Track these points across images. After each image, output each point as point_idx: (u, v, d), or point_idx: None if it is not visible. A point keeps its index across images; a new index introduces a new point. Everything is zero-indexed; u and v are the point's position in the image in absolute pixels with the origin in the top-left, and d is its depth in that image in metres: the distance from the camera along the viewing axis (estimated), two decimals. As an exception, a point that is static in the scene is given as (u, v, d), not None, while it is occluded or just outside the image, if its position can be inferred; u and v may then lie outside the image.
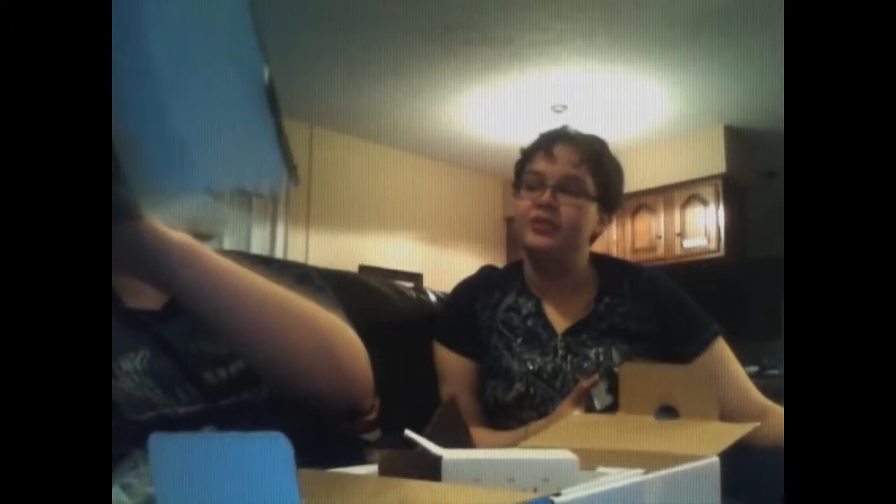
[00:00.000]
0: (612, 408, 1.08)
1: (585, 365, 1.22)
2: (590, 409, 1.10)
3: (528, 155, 1.31)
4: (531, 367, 1.24)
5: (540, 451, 0.54)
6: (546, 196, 1.23)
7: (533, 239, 1.26)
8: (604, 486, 0.41)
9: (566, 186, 1.25)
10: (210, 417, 0.77)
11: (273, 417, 0.79)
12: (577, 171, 1.25)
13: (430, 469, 0.47)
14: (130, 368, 0.78)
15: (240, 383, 0.82)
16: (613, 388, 1.15)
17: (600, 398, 1.12)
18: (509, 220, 5.25)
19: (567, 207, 1.24)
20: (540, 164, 1.26)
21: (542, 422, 1.13)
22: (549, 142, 1.28)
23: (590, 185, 1.26)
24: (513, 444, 1.13)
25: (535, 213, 1.25)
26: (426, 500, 0.40)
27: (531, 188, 1.26)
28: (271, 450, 0.30)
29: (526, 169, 1.29)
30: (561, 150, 1.26)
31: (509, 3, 3.16)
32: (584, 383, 1.12)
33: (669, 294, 1.30)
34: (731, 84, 3.94)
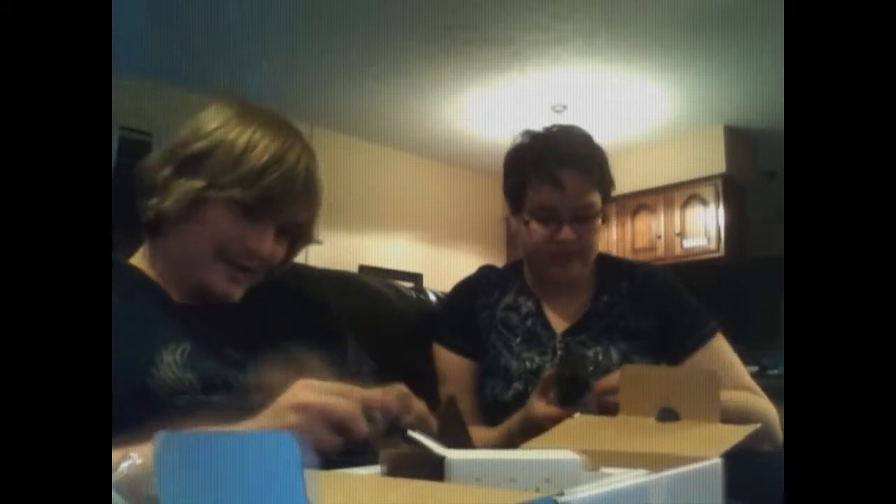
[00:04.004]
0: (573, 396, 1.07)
1: (585, 363, 1.22)
2: (558, 398, 1.08)
3: (526, 180, 1.25)
4: (529, 367, 1.24)
5: (544, 452, 0.54)
6: (566, 233, 1.21)
7: (558, 272, 1.25)
8: (610, 487, 0.41)
9: (580, 215, 1.22)
10: (240, 411, 0.81)
11: None
12: (589, 196, 1.22)
13: (435, 469, 0.47)
14: (171, 360, 0.81)
15: (266, 389, 0.85)
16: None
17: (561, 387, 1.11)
18: (509, 220, 5.25)
19: (585, 234, 1.23)
20: (549, 197, 1.21)
21: (515, 417, 1.13)
22: (553, 169, 1.21)
23: (598, 200, 1.24)
24: (500, 440, 1.13)
25: (555, 248, 1.23)
26: (431, 501, 0.40)
27: (543, 221, 1.23)
28: (279, 449, 0.30)
29: (531, 198, 1.24)
30: (569, 179, 1.20)
31: (509, 3, 3.16)
32: (546, 373, 1.11)
33: (668, 290, 1.30)
34: (731, 84, 3.93)
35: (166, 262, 0.92)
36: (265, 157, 0.87)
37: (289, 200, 0.90)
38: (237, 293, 0.91)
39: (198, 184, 0.87)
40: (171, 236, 0.91)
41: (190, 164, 0.88)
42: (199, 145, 0.89)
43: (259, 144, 0.88)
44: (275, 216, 0.90)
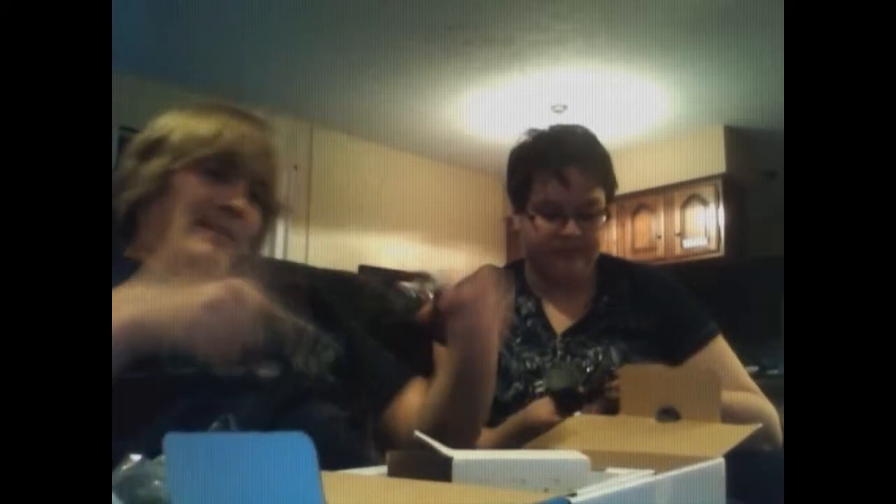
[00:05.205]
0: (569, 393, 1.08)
1: (584, 364, 1.22)
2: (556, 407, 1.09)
3: (532, 176, 1.26)
4: (529, 367, 1.24)
5: (551, 452, 0.54)
6: (570, 228, 1.23)
7: (563, 267, 1.26)
8: (618, 487, 0.41)
9: (585, 211, 1.24)
10: (248, 385, 0.82)
11: (305, 403, 0.87)
12: (593, 193, 1.24)
13: (441, 470, 0.47)
14: None
15: (269, 359, 0.88)
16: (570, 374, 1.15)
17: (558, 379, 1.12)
18: (509, 221, 5.25)
19: (589, 231, 1.24)
20: (555, 193, 1.23)
21: (514, 419, 1.13)
22: (558, 166, 1.23)
23: (603, 199, 1.26)
24: (497, 441, 1.13)
25: (560, 243, 1.24)
26: (437, 501, 0.40)
27: (548, 216, 1.24)
28: (294, 450, 0.29)
29: (537, 193, 1.25)
30: (574, 176, 1.22)
31: (509, 3, 3.15)
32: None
33: (668, 290, 1.30)
34: (731, 84, 3.93)
35: (150, 248, 0.94)
36: (215, 127, 0.96)
37: (249, 157, 0.96)
38: (223, 258, 0.93)
39: (162, 160, 0.94)
40: (148, 222, 0.95)
41: (150, 150, 0.96)
42: (155, 134, 0.97)
43: (206, 119, 0.97)
44: (239, 173, 0.95)
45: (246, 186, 0.96)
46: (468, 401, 0.91)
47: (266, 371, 0.87)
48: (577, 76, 3.86)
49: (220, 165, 0.94)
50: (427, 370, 1.30)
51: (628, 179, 4.59)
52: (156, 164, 0.93)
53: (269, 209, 1.01)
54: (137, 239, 0.96)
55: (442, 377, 0.92)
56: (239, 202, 0.94)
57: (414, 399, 1.00)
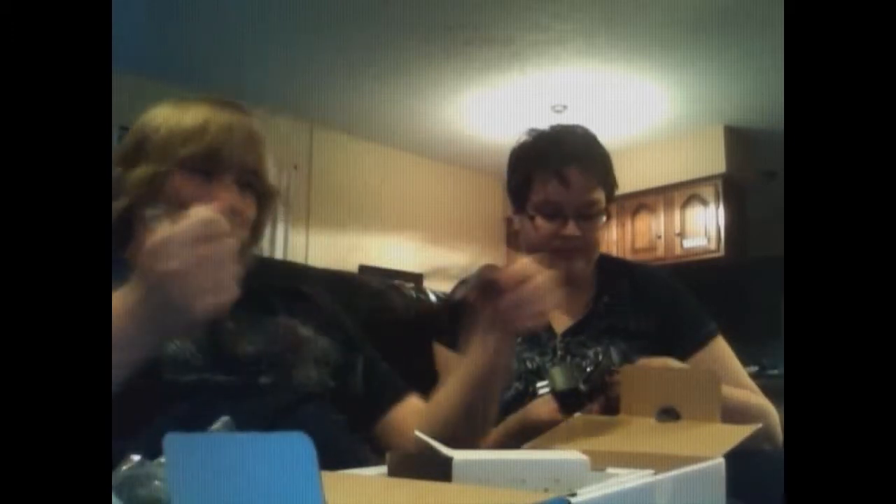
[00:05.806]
0: (573, 393, 1.08)
1: (584, 364, 1.22)
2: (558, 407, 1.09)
3: (532, 176, 1.27)
4: (530, 367, 1.24)
5: (551, 452, 0.54)
6: (570, 228, 1.23)
7: (563, 268, 1.25)
8: (617, 487, 0.41)
9: (585, 212, 1.24)
10: (248, 388, 0.83)
11: (304, 406, 0.86)
12: (593, 194, 1.24)
13: (441, 470, 0.47)
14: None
15: (268, 363, 0.88)
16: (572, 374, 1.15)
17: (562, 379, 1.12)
18: (509, 221, 5.25)
19: (589, 231, 1.24)
20: (555, 193, 1.23)
21: (513, 418, 1.13)
22: (558, 166, 1.23)
23: (603, 200, 1.26)
24: (496, 440, 1.13)
25: (560, 243, 1.24)
26: (437, 501, 0.40)
27: (548, 216, 1.24)
28: (294, 450, 0.29)
29: (537, 193, 1.25)
30: (574, 176, 1.22)
31: (509, 3, 3.16)
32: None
33: (668, 291, 1.30)
34: (731, 84, 3.93)
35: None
36: (198, 120, 0.93)
37: (236, 148, 0.93)
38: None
39: (148, 166, 0.91)
40: (142, 228, 0.93)
41: (133, 155, 0.93)
42: (135, 137, 0.95)
43: (188, 113, 0.94)
44: (228, 167, 0.93)
45: (236, 179, 0.94)
46: (479, 413, 0.91)
47: (266, 378, 0.87)
48: (577, 76, 3.86)
49: (207, 163, 0.92)
50: (427, 375, 1.30)
51: (628, 179, 4.59)
52: (142, 170, 0.91)
53: (263, 197, 0.99)
54: (135, 240, 0.96)
55: (454, 386, 0.92)
56: (233, 197, 0.92)
57: (409, 417, 0.99)
